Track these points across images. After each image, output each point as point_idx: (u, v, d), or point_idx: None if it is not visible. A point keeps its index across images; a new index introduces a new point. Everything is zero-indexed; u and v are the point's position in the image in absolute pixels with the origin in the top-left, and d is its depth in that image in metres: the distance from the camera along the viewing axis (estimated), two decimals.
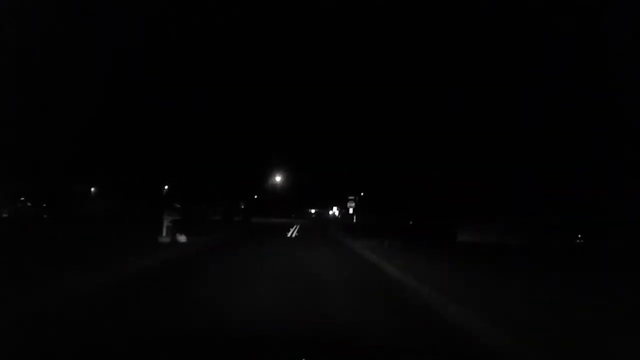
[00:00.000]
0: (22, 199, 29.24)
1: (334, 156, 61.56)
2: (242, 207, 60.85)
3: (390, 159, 46.12)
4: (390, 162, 45.68)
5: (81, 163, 30.19)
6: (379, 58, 46.25)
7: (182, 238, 15.45)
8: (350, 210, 40.19)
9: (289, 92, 53.87)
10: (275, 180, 62.84)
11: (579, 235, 26.54)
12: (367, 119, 52.74)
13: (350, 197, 39.96)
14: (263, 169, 54.65)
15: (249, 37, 41.11)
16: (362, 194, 44.78)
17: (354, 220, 40.45)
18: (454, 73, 35.31)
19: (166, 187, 45.99)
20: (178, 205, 41.59)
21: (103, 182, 32.78)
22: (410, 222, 30.93)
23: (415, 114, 39.26)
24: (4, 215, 27.01)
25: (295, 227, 34.86)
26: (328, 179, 65.58)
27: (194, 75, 32.61)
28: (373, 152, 50.43)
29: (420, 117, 38.11)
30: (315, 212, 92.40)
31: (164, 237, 15.05)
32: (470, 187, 31.50)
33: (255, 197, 68.96)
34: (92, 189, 32.82)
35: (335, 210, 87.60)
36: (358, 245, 17.91)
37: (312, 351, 2.53)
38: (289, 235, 24.04)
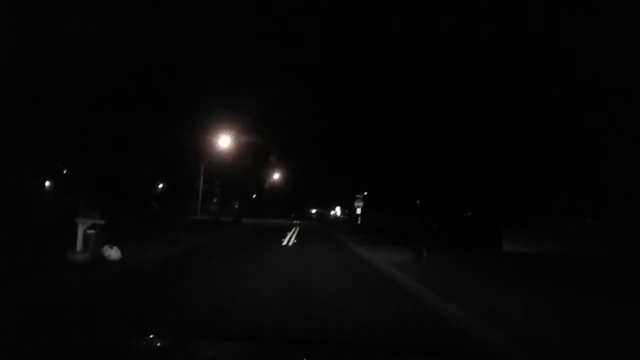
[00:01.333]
0: None
1: (336, 152, 56.32)
2: (236, 206, 55.67)
3: (399, 153, 40.69)
4: (400, 157, 40.23)
5: (38, 153, 24.73)
6: (386, 45, 41.46)
7: (113, 253, 9.77)
8: (358, 210, 34.49)
9: (288, 84, 49.47)
10: (274, 178, 58.45)
11: None
12: (371, 108, 47.38)
13: (357, 196, 34.33)
14: (261, 167, 50.48)
15: (251, 33, 39.52)
16: (365, 193, 39.10)
17: (358, 222, 34.99)
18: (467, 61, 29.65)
19: (161, 185, 41.53)
20: (155, 206, 36.29)
21: (62, 176, 27.17)
22: (435, 226, 25.27)
23: (426, 100, 33.64)
24: None
25: (293, 230, 29.22)
26: (329, 176, 60.44)
27: (195, 69, 30.08)
28: (378, 146, 44.94)
29: (433, 104, 32.52)
30: (316, 212, 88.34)
31: (80, 253, 9.34)
32: (506, 181, 25.62)
33: (254, 196, 65.12)
34: (48, 184, 27.06)
35: (337, 211, 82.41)
36: (383, 259, 12.28)
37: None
38: (284, 243, 18.31)
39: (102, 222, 9.64)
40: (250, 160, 42.04)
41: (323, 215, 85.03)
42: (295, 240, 19.26)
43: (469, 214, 26.85)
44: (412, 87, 36.89)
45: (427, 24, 32.58)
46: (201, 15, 25.57)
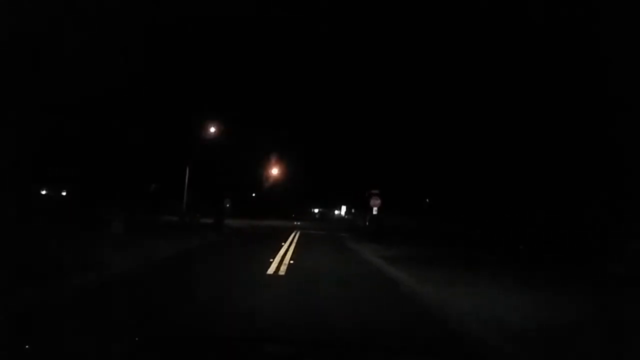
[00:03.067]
0: None
1: (341, 148, 51.47)
2: (228, 205, 49.59)
3: (415, 144, 35.25)
4: (418, 147, 34.59)
5: None
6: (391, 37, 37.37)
7: None
8: (375, 210, 27.61)
9: (290, 83, 47.06)
10: (274, 176, 53.65)
11: None
12: (381, 100, 43.52)
13: (373, 192, 27.53)
14: (260, 165, 47.47)
15: (255, 27, 39.66)
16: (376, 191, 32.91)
17: (366, 224, 29.02)
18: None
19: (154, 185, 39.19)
20: (113, 207, 30.04)
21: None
22: (479, 231, 18.42)
23: (443, 85, 27.82)
24: None
25: (292, 237, 22.33)
26: (334, 174, 55.76)
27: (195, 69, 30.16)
28: (391, 138, 40.43)
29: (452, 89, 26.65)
30: (319, 212, 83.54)
31: None
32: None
33: (253, 194, 60.61)
34: None
35: (342, 210, 76.39)
36: (502, 323, 5.22)
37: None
38: (271, 269, 10.96)
39: None
40: (250, 159, 39.10)
41: (326, 215, 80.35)
42: (291, 261, 12.09)
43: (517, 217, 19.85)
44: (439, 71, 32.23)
45: (440, 20, 29.16)
46: (201, 15, 25.30)
